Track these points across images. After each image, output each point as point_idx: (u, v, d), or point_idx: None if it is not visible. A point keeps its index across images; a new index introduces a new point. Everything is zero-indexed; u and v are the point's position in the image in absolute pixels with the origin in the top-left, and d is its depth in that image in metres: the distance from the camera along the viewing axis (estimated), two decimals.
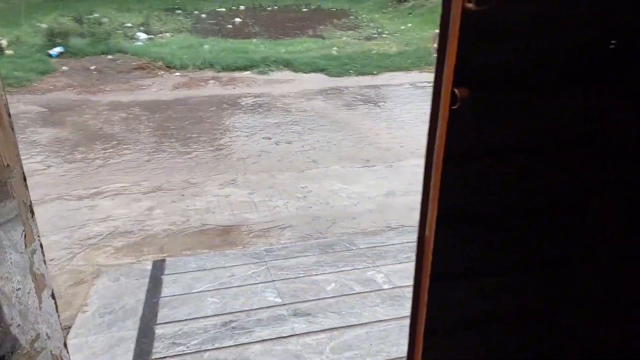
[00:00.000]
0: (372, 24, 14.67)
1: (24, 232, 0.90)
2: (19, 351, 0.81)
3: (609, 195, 1.25)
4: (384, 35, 12.55)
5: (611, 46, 1.15)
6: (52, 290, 0.97)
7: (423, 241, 1.27)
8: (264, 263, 3.23)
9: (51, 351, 0.89)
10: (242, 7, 17.11)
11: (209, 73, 8.00)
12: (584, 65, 1.16)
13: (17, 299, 0.84)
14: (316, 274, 3.08)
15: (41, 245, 0.95)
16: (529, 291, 1.33)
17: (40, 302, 0.90)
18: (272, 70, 8.19)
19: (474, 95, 1.06)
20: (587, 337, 1.44)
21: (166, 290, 2.95)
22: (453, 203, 1.19)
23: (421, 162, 4.79)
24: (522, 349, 1.39)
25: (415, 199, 4.43)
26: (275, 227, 3.95)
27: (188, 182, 4.67)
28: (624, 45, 1.17)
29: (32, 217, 0.94)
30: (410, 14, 15.56)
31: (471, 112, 1.08)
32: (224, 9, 16.69)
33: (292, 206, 4.25)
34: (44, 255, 0.95)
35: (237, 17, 15.45)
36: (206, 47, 9.49)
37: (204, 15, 15.23)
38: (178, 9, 15.63)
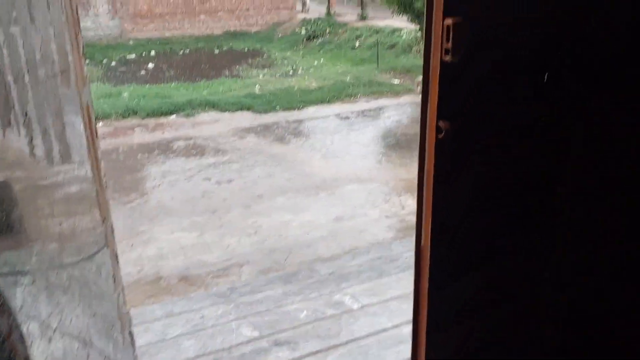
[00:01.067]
0: (285, 62, 15.19)
1: (114, 277, 0.99)
2: None
3: (576, 190, 1.56)
4: (299, 72, 13.05)
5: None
6: (131, 329, 1.06)
7: (420, 250, 1.49)
8: (232, 301, 3.29)
9: None
10: (152, 53, 16.99)
11: (133, 121, 7.91)
12: (527, 89, 1.48)
13: (111, 335, 0.93)
14: (286, 304, 3.19)
15: (122, 289, 1.04)
16: (514, 280, 1.60)
17: (123, 339, 0.98)
18: (198, 113, 8.26)
19: (454, 126, 1.32)
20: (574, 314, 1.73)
21: (140, 341, 2.91)
22: (444, 214, 1.43)
23: (359, 187, 5.09)
24: (514, 331, 1.65)
25: (361, 221, 4.71)
26: (233, 264, 4.02)
27: (135, 231, 4.61)
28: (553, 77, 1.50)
29: (118, 263, 1.03)
30: (320, 50, 16.31)
31: (453, 140, 1.34)
32: (133, 56, 16.47)
33: (245, 242, 4.35)
34: (124, 297, 1.04)
35: (149, 62, 15.33)
36: (125, 94, 9.37)
37: (114, 64, 14.95)
38: (86, 58, 15.20)
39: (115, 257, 1.03)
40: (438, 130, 1.33)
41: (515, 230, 1.54)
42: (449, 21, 1.23)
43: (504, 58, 1.37)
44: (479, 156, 1.39)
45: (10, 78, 0.76)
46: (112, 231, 1.04)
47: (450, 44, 1.23)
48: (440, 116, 1.32)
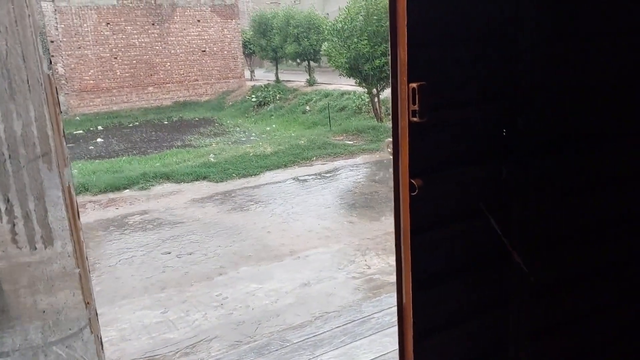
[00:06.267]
0: (238, 129, 15.36)
1: None
2: None
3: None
4: (252, 138, 13.20)
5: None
6: None
7: (402, 306, 1.49)
8: None
9: None
10: (100, 127, 16.80)
11: (85, 197, 7.67)
12: (488, 144, 1.57)
13: None
14: None
15: None
16: (499, 334, 1.61)
17: None
18: (152, 185, 8.12)
19: (426, 183, 1.37)
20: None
21: None
22: (423, 271, 1.44)
23: (323, 250, 5.07)
24: None
25: (328, 284, 4.65)
26: (201, 341, 3.85)
27: None
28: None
29: (102, 349, 0.96)
30: (272, 116, 16.65)
31: (425, 194, 1.38)
32: (81, 131, 16.24)
33: (211, 316, 4.18)
34: None
35: (98, 137, 15.12)
36: (75, 171, 9.12)
37: None
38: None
39: (100, 343, 0.97)
40: (411, 187, 1.37)
41: (497, 282, 1.57)
42: (413, 85, 1.31)
43: (466, 116, 1.46)
44: (453, 210, 1.44)
45: None
46: (96, 314, 0.99)
47: (417, 106, 1.30)
48: (412, 174, 1.37)
